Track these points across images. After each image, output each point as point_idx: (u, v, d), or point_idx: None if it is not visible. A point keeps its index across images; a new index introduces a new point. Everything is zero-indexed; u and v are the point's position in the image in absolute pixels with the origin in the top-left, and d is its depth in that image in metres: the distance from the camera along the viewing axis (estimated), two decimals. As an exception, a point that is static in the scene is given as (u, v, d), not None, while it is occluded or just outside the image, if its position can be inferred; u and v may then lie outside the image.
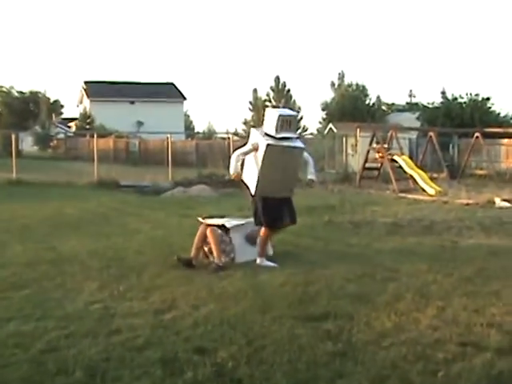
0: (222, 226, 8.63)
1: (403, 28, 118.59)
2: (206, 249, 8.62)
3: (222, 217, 9.26)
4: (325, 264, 8.26)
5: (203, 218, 8.86)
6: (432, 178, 22.34)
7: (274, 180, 8.38)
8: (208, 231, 8.45)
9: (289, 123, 8.34)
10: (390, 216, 13.86)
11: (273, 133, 8.26)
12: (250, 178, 8.52)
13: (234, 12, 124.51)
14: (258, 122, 65.25)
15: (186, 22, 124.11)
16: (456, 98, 41.85)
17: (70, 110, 72.26)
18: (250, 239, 8.72)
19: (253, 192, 8.49)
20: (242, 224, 8.88)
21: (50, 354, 4.86)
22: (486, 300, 6.38)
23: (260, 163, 8.28)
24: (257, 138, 8.44)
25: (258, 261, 8.40)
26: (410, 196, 19.36)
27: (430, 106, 43.48)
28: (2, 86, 64.05)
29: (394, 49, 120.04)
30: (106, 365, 4.61)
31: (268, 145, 8.20)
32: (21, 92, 63.48)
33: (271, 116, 8.42)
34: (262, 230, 8.50)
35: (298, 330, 5.39)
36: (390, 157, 23.22)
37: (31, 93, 62.90)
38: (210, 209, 14.15)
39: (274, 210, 8.41)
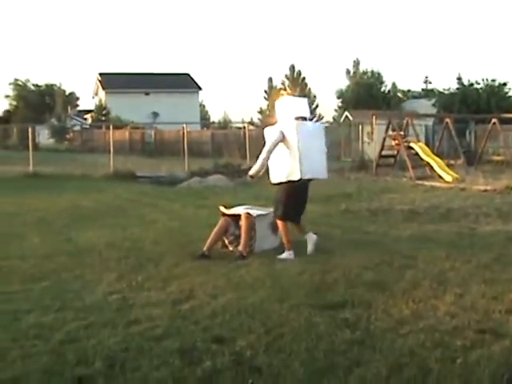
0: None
1: (418, 14, 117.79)
2: (226, 240, 8.63)
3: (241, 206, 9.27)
4: (342, 252, 8.25)
5: (225, 207, 8.87)
6: (449, 165, 22.24)
7: (313, 159, 8.39)
8: (243, 217, 8.45)
9: (304, 106, 8.76)
10: (407, 203, 13.83)
11: (292, 115, 8.43)
12: (287, 165, 8.30)
13: (250, 1, 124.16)
14: (273, 110, 65.35)
15: (201, 12, 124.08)
16: (472, 84, 41.59)
17: (86, 102, 72.55)
18: (275, 228, 8.73)
19: (298, 176, 8.20)
20: (265, 214, 8.89)
21: (69, 344, 4.89)
22: (505, 286, 6.34)
23: (296, 144, 8.21)
24: (278, 128, 8.43)
25: (285, 255, 8.20)
26: (426, 183, 19.28)
27: (446, 92, 43.24)
28: (17, 80, 64.49)
29: (409, 35, 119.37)
30: (124, 355, 4.64)
31: (294, 122, 8.33)
32: (36, 85, 63.87)
33: (286, 102, 8.82)
34: (279, 222, 8.43)
35: (316, 319, 5.40)
36: (406, 144, 23.14)
37: (47, 86, 63.27)
38: (226, 199, 14.14)
39: (298, 200, 8.44)
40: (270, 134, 8.50)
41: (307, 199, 8.65)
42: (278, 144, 8.32)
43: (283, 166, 8.34)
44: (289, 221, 8.47)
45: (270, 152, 8.35)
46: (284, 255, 8.21)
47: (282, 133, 8.30)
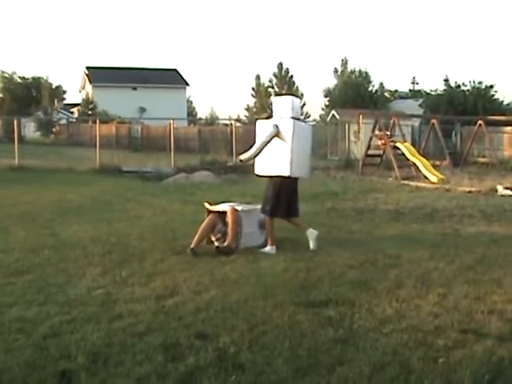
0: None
1: (407, 14, 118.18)
2: (213, 237, 8.61)
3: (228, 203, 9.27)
4: (327, 250, 8.27)
5: (209, 204, 8.86)
6: (434, 166, 22.34)
7: (302, 158, 8.60)
8: (229, 211, 8.46)
9: (299, 107, 9.07)
10: (392, 203, 13.88)
11: (289, 114, 8.55)
12: (277, 159, 8.50)
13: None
14: (260, 108, 65.33)
15: (189, 7, 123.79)
16: (459, 86, 41.73)
17: (73, 96, 72.38)
18: (262, 224, 8.76)
19: (287, 173, 8.41)
20: (252, 210, 8.90)
21: (52, 339, 4.88)
22: (488, 287, 6.39)
23: (291, 142, 8.39)
24: (274, 122, 8.57)
25: (268, 249, 8.39)
26: (412, 183, 19.36)
27: (433, 93, 43.37)
28: (4, 72, 63.96)
29: (397, 35, 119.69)
30: (108, 350, 4.63)
31: (294, 122, 8.47)
32: (23, 77, 63.35)
33: (284, 101, 8.87)
34: (268, 219, 8.60)
35: (300, 317, 5.41)
36: (392, 144, 23.20)
37: (33, 78, 62.76)
38: (212, 195, 14.13)
39: (287, 197, 8.55)
40: (264, 127, 8.64)
41: (298, 196, 8.81)
42: (273, 137, 8.46)
43: (273, 161, 8.51)
44: (277, 217, 8.64)
45: (265, 143, 8.51)
46: (266, 249, 8.39)
47: (278, 128, 8.46)
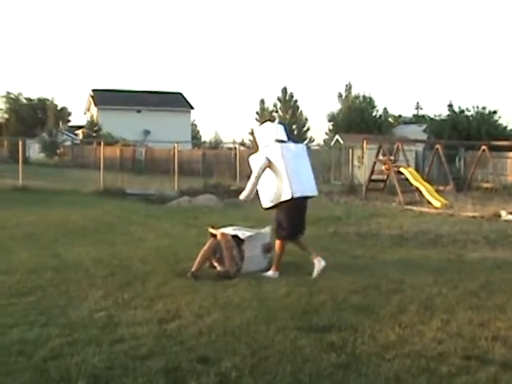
0: (235, 237, 8.63)
1: (411, 40, 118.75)
2: (214, 261, 8.59)
3: (231, 226, 9.27)
4: (329, 275, 8.24)
5: (213, 228, 8.86)
6: (438, 191, 22.32)
7: (301, 176, 8.55)
8: (223, 240, 8.45)
9: (281, 130, 8.87)
10: (396, 228, 13.85)
11: (273, 138, 8.63)
12: (276, 187, 8.45)
13: (242, 23, 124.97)
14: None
15: (195, 32, 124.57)
16: (463, 111, 41.80)
17: (78, 118, 72.69)
18: (266, 249, 8.75)
19: (289, 195, 8.30)
20: (254, 234, 8.89)
21: (53, 361, 4.86)
22: (491, 313, 6.36)
23: (283, 166, 8.35)
24: (262, 154, 8.60)
25: (270, 273, 8.33)
26: (415, 208, 19.33)
27: (437, 118, 43.41)
28: (10, 93, 64.38)
29: (401, 61, 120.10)
30: (109, 373, 4.61)
31: (278, 145, 8.48)
32: (29, 99, 63.76)
33: (266, 128, 9.06)
34: (279, 243, 8.50)
35: (302, 341, 5.38)
36: (396, 169, 23.21)
37: (39, 100, 63.15)
38: (215, 218, 14.13)
39: (299, 218, 8.61)
40: (256, 161, 8.65)
41: (306, 218, 8.78)
42: (265, 169, 8.47)
43: (272, 190, 8.48)
44: (292, 241, 8.67)
45: (258, 177, 8.50)
46: (269, 273, 8.34)
47: (267, 158, 8.45)
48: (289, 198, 8.33)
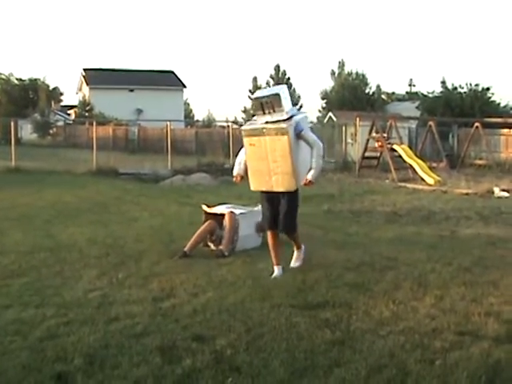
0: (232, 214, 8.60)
1: (404, 16, 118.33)
2: (209, 241, 8.58)
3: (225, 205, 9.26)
4: (323, 253, 8.27)
5: (208, 207, 8.86)
6: (431, 168, 22.35)
7: (261, 170, 7.18)
8: (228, 216, 8.44)
9: (269, 105, 7.05)
10: (389, 205, 13.90)
11: (254, 119, 7.36)
12: (304, 166, 7.07)
13: (235, 0, 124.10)
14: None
15: (186, 9, 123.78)
16: (456, 88, 41.73)
17: (70, 98, 72.22)
18: (259, 227, 8.72)
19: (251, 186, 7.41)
20: (248, 212, 8.88)
21: (49, 341, 4.88)
22: (484, 289, 6.39)
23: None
24: (301, 123, 7.16)
25: (276, 272, 7.20)
26: (409, 185, 19.37)
27: (430, 95, 43.35)
28: (1, 74, 63.94)
29: (394, 37, 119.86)
30: (104, 352, 4.63)
31: (242, 130, 7.42)
32: (20, 79, 63.29)
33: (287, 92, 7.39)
34: (296, 236, 7.62)
35: (297, 319, 5.41)
36: (389, 146, 23.22)
37: (30, 80, 62.69)
38: (209, 197, 14.13)
39: (268, 208, 7.33)
40: (310, 132, 7.26)
41: (286, 212, 7.31)
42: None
43: (304, 167, 7.11)
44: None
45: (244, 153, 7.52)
46: (276, 272, 7.23)
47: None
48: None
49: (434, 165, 23.86)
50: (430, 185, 19.56)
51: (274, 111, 7.03)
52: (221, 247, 8.28)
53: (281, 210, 7.22)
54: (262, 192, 7.36)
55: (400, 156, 22.79)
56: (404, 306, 5.83)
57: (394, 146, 23.23)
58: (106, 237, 9.47)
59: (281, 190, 7.14)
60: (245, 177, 7.52)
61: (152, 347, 4.69)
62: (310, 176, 7.05)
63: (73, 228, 10.40)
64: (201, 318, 5.46)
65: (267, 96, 7.16)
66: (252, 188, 7.42)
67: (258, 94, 7.40)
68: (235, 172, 7.59)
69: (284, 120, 6.96)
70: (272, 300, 5.97)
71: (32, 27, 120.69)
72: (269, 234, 7.45)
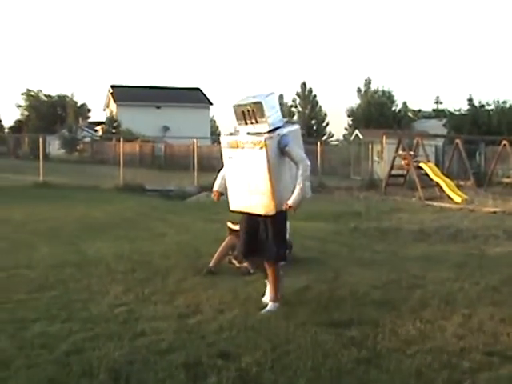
0: None
1: (431, 34, 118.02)
2: (231, 257, 8.57)
3: None
4: (350, 270, 8.23)
5: (233, 224, 8.85)
6: (458, 186, 22.20)
7: (239, 188, 6.45)
8: None
9: (251, 114, 6.25)
10: (416, 223, 13.79)
11: (237, 129, 6.57)
12: (290, 185, 6.23)
13: (262, 18, 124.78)
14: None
15: (213, 27, 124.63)
16: (483, 105, 41.57)
17: (97, 114, 72.75)
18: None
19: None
20: None
21: (75, 355, 4.89)
22: (513, 309, 6.31)
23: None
24: (289, 136, 6.34)
25: (270, 307, 6.37)
26: (435, 204, 19.23)
27: (457, 112, 43.21)
28: (30, 90, 64.85)
29: (420, 55, 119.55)
30: (130, 367, 4.63)
31: (220, 139, 6.70)
32: (49, 96, 64.16)
33: (276, 100, 6.57)
34: (275, 268, 6.55)
35: (323, 337, 5.37)
36: (415, 164, 23.10)
37: (59, 96, 63.51)
38: (235, 214, 14.10)
39: (247, 232, 6.51)
40: (294, 145, 6.31)
41: (273, 237, 6.40)
42: None
43: (288, 187, 6.21)
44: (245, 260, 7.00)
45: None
46: (272, 307, 6.41)
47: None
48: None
49: (461, 183, 23.71)
50: (457, 203, 19.41)
51: (257, 122, 6.20)
52: (245, 264, 8.26)
53: (266, 237, 6.28)
54: (242, 213, 6.55)
55: (427, 174, 22.67)
56: (431, 324, 5.77)
57: (421, 164, 23.11)
58: (132, 252, 9.50)
59: (260, 212, 6.24)
60: (225, 194, 6.82)
61: (177, 363, 4.68)
62: (290, 200, 6.04)
63: (100, 243, 10.45)
64: (226, 335, 5.44)
65: (249, 104, 6.28)
66: (231, 207, 6.63)
67: (241, 100, 6.42)
68: (214, 188, 6.93)
69: (265, 132, 6.14)
70: (297, 318, 5.94)
71: (61, 45, 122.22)
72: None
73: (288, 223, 8.81)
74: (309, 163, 6.24)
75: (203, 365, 4.68)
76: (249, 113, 6.23)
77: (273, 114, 6.25)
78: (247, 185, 6.30)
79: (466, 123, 39.08)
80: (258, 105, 6.18)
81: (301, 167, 6.13)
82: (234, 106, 6.39)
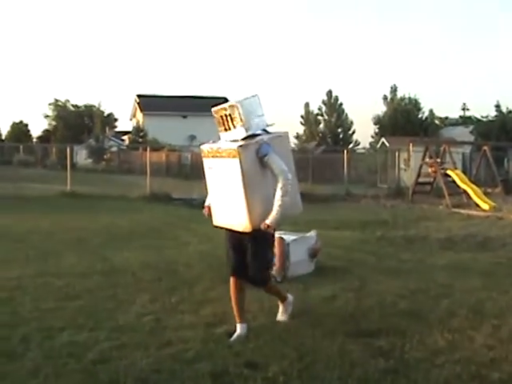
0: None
1: (456, 41, 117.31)
2: None
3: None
4: (377, 279, 8.18)
5: None
6: (486, 193, 22.00)
7: (219, 202, 5.99)
8: (277, 242, 8.39)
9: (229, 119, 5.73)
10: (444, 231, 13.68)
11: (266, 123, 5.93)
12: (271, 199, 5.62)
13: (287, 26, 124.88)
14: (310, 136, 65.41)
15: (239, 36, 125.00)
16: (511, 111, 41.17)
17: (124, 124, 73.25)
18: (312, 253, 8.67)
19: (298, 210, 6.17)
20: (300, 238, 8.83)
21: (101, 364, 4.91)
22: (544, 319, 6.22)
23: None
24: (271, 145, 5.73)
25: (238, 331, 5.77)
26: (463, 211, 19.07)
27: (484, 119, 42.91)
28: (57, 100, 65.59)
29: (447, 62, 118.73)
30: (156, 376, 4.64)
31: (200, 149, 6.08)
32: (76, 106, 64.85)
33: (258, 104, 5.93)
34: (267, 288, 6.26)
35: (350, 346, 5.34)
36: (443, 171, 22.96)
37: (86, 106, 64.18)
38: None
39: (230, 248, 5.97)
40: (275, 156, 5.60)
41: (253, 258, 5.83)
42: None
43: (266, 207, 5.56)
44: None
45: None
46: (285, 310, 6.27)
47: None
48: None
49: (489, 190, 23.51)
50: (484, 210, 19.24)
51: (234, 127, 5.65)
52: (273, 273, 8.24)
53: (248, 256, 5.78)
54: (225, 229, 5.99)
55: (454, 181, 22.52)
56: (460, 334, 5.71)
57: (448, 172, 22.97)
58: (158, 261, 9.52)
59: (237, 229, 5.70)
60: None
61: (204, 373, 4.68)
62: (268, 219, 5.45)
63: (126, 252, 10.49)
64: (253, 344, 5.43)
65: (225, 108, 5.76)
66: (213, 223, 6.15)
67: (220, 105, 5.90)
68: (206, 202, 6.34)
69: (241, 139, 5.58)
70: (325, 327, 5.92)
71: (88, 55, 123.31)
72: (231, 280, 6.00)
73: (314, 231, 8.84)
74: (290, 176, 5.52)
75: (230, 374, 4.67)
76: (226, 117, 5.70)
77: (252, 119, 5.67)
78: (224, 198, 5.80)
79: (493, 129, 38.79)
80: (234, 108, 5.64)
81: (280, 181, 5.46)
82: (213, 111, 5.87)
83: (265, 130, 5.83)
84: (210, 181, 6.01)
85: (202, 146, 6.02)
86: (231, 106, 5.65)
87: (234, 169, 5.46)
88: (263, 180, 5.55)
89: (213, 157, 5.79)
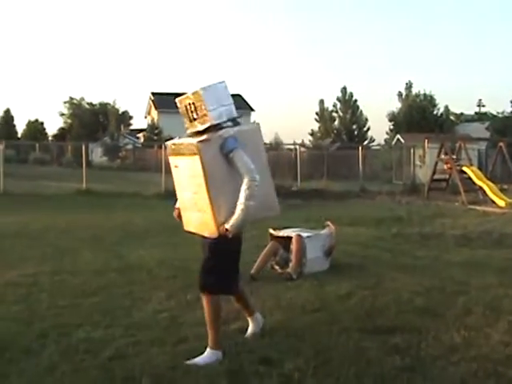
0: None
1: (471, 37, 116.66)
2: (274, 263, 8.56)
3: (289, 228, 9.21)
4: (392, 276, 8.16)
5: (274, 230, 8.85)
6: (502, 190, 21.91)
7: (185, 203, 5.56)
8: (294, 239, 8.41)
9: (192, 108, 5.09)
10: (459, 228, 13.63)
11: (234, 113, 5.21)
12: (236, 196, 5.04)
13: (300, 23, 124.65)
14: (325, 133, 65.24)
15: (253, 33, 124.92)
16: (527, 108, 40.91)
17: (139, 121, 73.27)
18: (328, 250, 8.67)
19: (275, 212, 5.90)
20: (315, 235, 8.83)
21: (117, 360, 4.93)
22: (561, 316, 6.18)
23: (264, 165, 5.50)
24: (238, 139, 5.10)
25: (202, 356, 4.99)
26: (479, 208, 18.99)
27: (500, 115, 42.64)
28: (72, 98, 65.87)
29: (461, 58, 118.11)
30: (172, 373, 4.65)
31: (258, 127, 5.50)
32: (91, 103, 65.10)
33: (225, 92, 5.17)
34: (208, 300, 5.39)
35: (366, 343, 5.33)
36: (458, 168, 22.87)
37: (101, 104, 64.40)
38: (276, 220, 14.06)
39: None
40: (241, 154, 4.93)
41: (205, 263, 5.73)
42: None
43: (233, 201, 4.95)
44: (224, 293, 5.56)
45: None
46: (207, 357, 5.02)
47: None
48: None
49: (505, 187, 23.41)
50: (500, 207, 19.16)
51: (198, 117, 5.04)
52: (288, 270, 8.25)
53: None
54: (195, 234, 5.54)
55: (470, 178, 22.43)
56: (476, 332, 5.68)
57: (464, 168, 22.89)
58: (174, 259, 9.53)
59: (203, 234, 5.34)
60: None
61: (219, 370, 4.69)
62: (228, 223, 4.93)
63: (142, 249, 10.52)
64: (268, 341, 5.43)
65: (188, 96, 5.10)
66: (184, 227, 5.79)
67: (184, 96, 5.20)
68: (176, 204, 5.90)
69: (201, 132, 4.98)
70: (340, 324, 5.91)
71: (102, 53, 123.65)
72: None
73: (329, 229, 8.81)
74: (257, 177, 4.87)
75: (245, 371, 4.68)
76: (190, 107, 5.05)
77: (217, 108, 4.96)
78: (190, 200, 5.24)
79: (509, 126, 38.56)
80: (196, 95, 4.96)
81: (245, 181, 4.82)
82: (177, 101, 5.27)
83: (234, 122, 5.15)
84: (176, 181, 5.48)
85: (167, 143, 5.50)
86: (194, 93, 4.98)
87: (196, 166, 4.86)
88: (231, 179, 4.89)
89: (176, 154, 5.23)
